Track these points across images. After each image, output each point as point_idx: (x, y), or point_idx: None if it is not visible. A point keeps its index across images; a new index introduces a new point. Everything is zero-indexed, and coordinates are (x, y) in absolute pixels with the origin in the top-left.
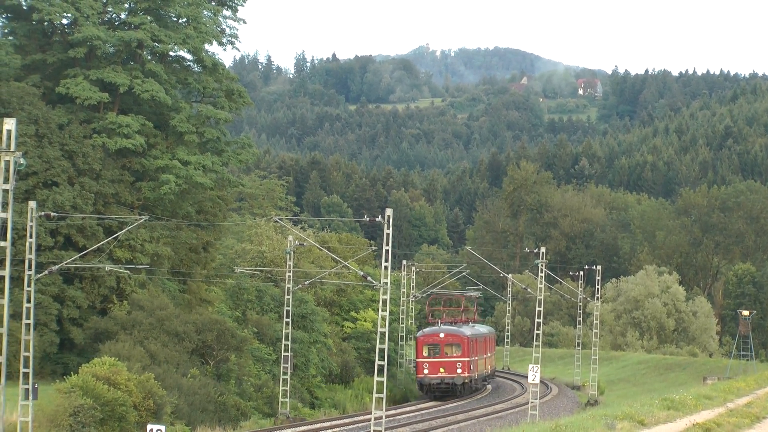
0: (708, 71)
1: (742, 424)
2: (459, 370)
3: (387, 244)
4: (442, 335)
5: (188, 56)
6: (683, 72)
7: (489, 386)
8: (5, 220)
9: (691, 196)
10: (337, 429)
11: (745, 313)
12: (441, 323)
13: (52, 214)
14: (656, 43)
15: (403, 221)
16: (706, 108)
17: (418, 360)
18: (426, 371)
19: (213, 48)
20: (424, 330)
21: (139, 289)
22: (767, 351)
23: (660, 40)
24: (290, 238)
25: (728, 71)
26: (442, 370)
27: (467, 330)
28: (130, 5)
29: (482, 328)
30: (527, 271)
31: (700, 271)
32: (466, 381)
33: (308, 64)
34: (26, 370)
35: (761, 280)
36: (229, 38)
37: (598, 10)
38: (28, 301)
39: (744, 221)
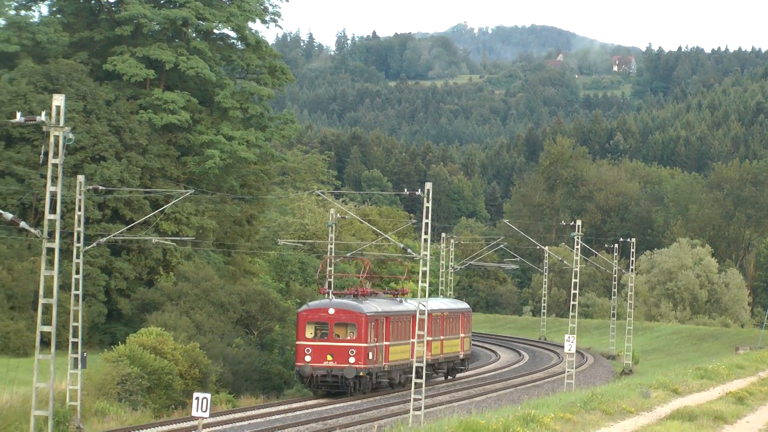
0: (740, 48)
1: None
2: (352, 360)
3: (426, 217)
4: (331, 311)
5: (232, 34)
6: (716, 49)
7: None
8: (55, 194)
9: (723, 170)
10: (378, 396)
11: None
12: (333, 295)
13: (100, 188)
14: (689, 21)
15: (441, 195)
16: (738, 84)
17: (298, 343)
18: (308, 358)
19: (256, 26)
20: (310, 303)
21: (185, 260)
22: None
23: (693, 18)
24: (332, 211)
25: (760, 48)
26: (329, 357)
27: (371, 305)
28: None
29: (441, 303)
30: (563, 243)
31: (732, 243)
32: (362, 374)
33: (349, 42)
34: (75, 340)
35: None
36: (272, 16)
37: None
38: (77, 273)
39: None
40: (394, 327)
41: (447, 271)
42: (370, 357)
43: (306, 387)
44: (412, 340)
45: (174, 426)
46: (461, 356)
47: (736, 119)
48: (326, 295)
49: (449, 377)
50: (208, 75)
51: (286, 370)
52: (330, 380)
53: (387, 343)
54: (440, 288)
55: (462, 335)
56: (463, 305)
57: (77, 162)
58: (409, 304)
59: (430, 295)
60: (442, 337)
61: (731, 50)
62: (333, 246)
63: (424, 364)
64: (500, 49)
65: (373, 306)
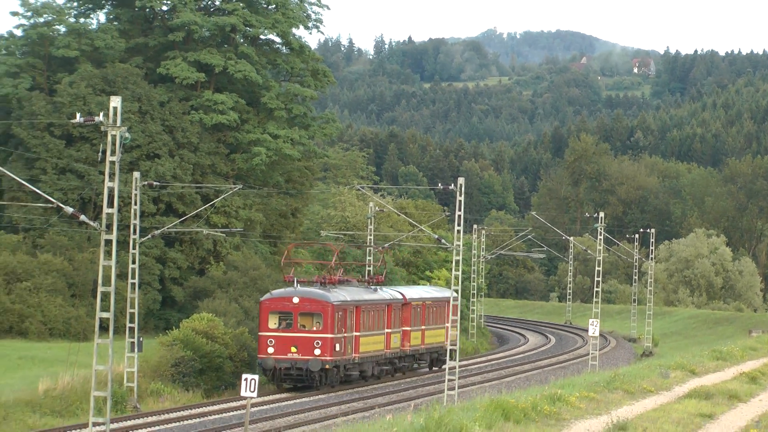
0: (752, 51)
1: None
2: (317, 351)
3: (459, 210)
4: (296, 300)
5: (277, 39)
6: (729, 52)
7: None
8: (112, 189)
9: (736, 165)
10: (414, 377)
11: None
12: (298, 283)
13: (155, 183)
14: (705, 25)
15: (473, 189)
16: (750, 85)
17: (260, 334)
18: (271, 350)
19: (300, 32)
20: (273, 292)
21: (234, 251)
22: None
23: (708, 22)
24: (371, 204)
25: None
26: (293, 349)
27: (340, 294)
28: None
29: (424, 291)
30: (587, 234)
31: (745, 233)
32: (328, 367)
33: (386, 46)
34: (132, 325)
35: None
36: (314, 22)
37: None
38: (133, 263)
39: None
40: (366, 317)
41: (479, 260)
42: (337, 349)
43: (269, 380)
44: (387, 330)
45: (224, 405)
46: (446, 346)
47: (748, 117)
48: (291, 283)
49: (434, 368)
50: (255, 78)
51: None
52: (294, 373)
53: (357, 333)
54: (472, 275)
55: (447, 325)
56: (449, 293)
57: (133, 159)
58: (384, 293)
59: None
60: (423, 327)
61: (744, 53)
62: (372, 237)
63: (458, 348)
64: (528, 53)
65: (342, 295)
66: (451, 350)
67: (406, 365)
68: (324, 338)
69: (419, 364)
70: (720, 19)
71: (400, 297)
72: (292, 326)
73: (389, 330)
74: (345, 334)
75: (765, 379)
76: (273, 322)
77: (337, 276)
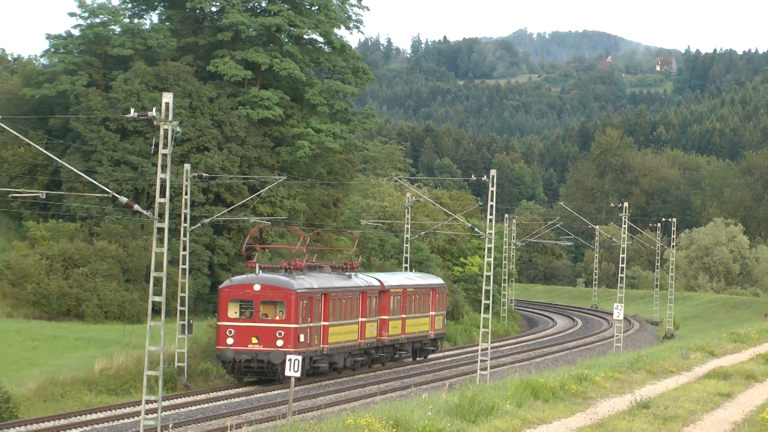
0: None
1: None
2: (280, 342)
3: (491, 200)
4: (257, 287)
5: (320, 39)
6: (747, 51)
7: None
8: (164, 180)
9: (753, 158)
10: (448, 358)
11: None
12: (261, 269)
13: (204, 174)
14: (724, 25)
15: (504, 180)
16: (766, 81)
17: (219, 323)
18: (230, 341)
19: (341, 31)
20: (233, 278)
21: (279, 238)
22: None
23: (727, 23)
24: (408, 195)
25: None
26: (254, 340)
27: (306, 281)
28: None
29: (404, 278)
30: (612, 223)
31: (761, 222)
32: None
33: (423, 45)
34: (182, 309)
35: None
36: (355, 23)
37: None
38: (184, 250)
39: None
40: (336, 305)
41: (510, 248)
42: (302, 339)
43: (229, 373)
44: (361, 319)
45: (269, 385)
46: (431, 336)
47: (765, 113)
48: (254, 268)
49: (418, 358)
50: (299, 75)
51: None
52: (255, 366)
53: (326, 323)
54: (504, 262)
55: (432, 313)
56: (435, 280)
57: (184, 152)
58: (359, 280)
59: (408, 268)
60: (403, 316)
61: (761, 52)
62: (409, 225)
63: (489, 334)
64: (556, 52)
65: (308, 282)
66: (483, 332)
67: (384, 356)
68: (287, 328)
69: (400, 354)
70: (738, 19)
71: (377, 284)
72: (253, 315)
73: (364, 319)
74: (311, 324)
75: None
76: (233, 311)
77: (304, 262)
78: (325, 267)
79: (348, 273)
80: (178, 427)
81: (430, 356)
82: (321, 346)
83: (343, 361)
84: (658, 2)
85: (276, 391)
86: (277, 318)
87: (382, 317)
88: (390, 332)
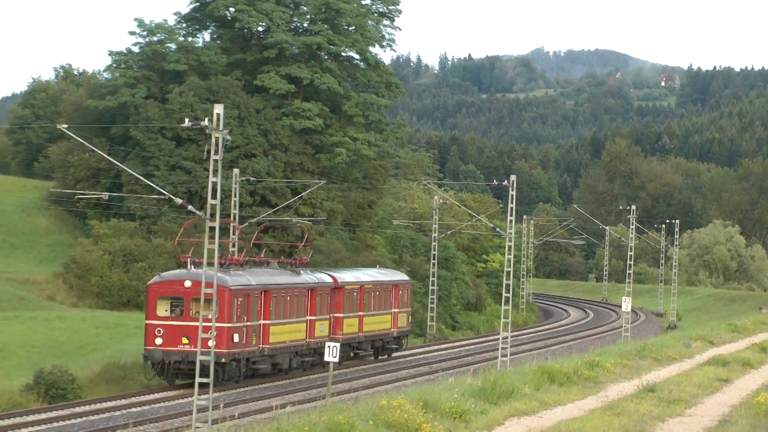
0: (763, 67)
1: None
2: (212, 343)
3: (511, 203)
4: (188, 284)
5: (356, 56)
6: (744, 68)
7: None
8: (215, 184)
9: (749, 165)
10: (472, 346)
11: None
12: (193, 264)
13: (251, 178)
14: (723, 45)
15: (523, 185)
16: (762, 96)
17: (147, 322)
18: (159, 341)
19: (375, 49)
20: (162, 274)
21: (319, 236)
22: None
23: (726, 42)
24: (435, 197)
25: None
26: (185, 340)
27: (242, 277)
28: (311, 16)
29: (364, 274)
30: (621, 224)
31: (756, 224)
32: (224, 361)
33: (449, 62)
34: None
35: None
36: (388, 42)
37: (677, 18)
38: (233, 246)
39: None
40: (279, 303)
41: (528, 246)
42: (236, 340)
43: (158, 375)
44: (309, 317)
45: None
46: (394, 333)
47: (760, 124)
48: (186, 264)
49: (381, 356)
50: (337, 89)
51: None
52: (185, 368)
53: (266, 321)
54: (522, 258)
55: (395, 310)
56: (399, 276)
57: (233, 158)
58: (308, 276)
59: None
60: (361, 313)
61: (756, 69)
62: (437, 225)
63: (509, 324)
64: (570, 69)
65: (245, 278)
66: (503, 323)
67: (341, 355)
68: (220, 328)
69: (358, 353)
70: (736, 39)
71: (330, 280)
72: (183, 314)
73: (313, 317)
74: (248, 323)
75: None
76: (163, 308)
77: (242, 257)
78: (272, 263)
79: (296, 269)
80: (228, 407)
81: (395, 354)
82: (261, 346)
83: (288, 362)
84: (663, 23)
85: (316, 375)
86: (210, 317)
87: (335, 315)
88: (345, 330)
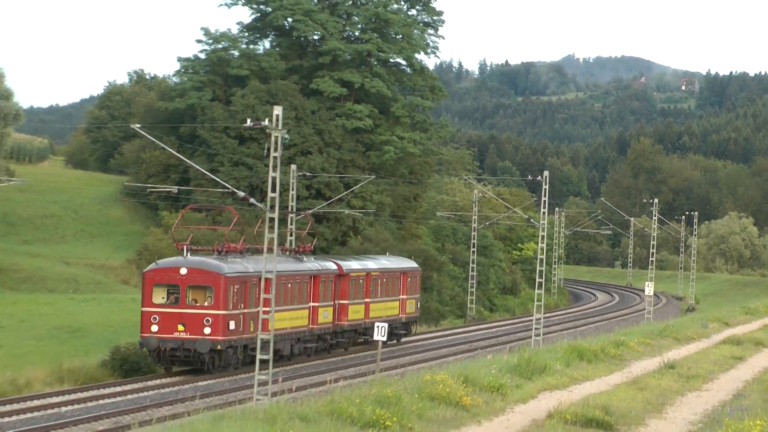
0: None
1: None
2: (207, 330)
3: (544, 196)
4: (183, 271)
5: (403, 62)
6: (758, 73)
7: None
8: (275, 178)
9: (763, 162)
10: (508, 326)
11: None
12: (189, 251)
13: (307, 173)
14: (739, 51)
15: (555, 180)
16: None
17: (143, 309)
18: (155, 328)
19: (420, 56)
20: (159, 261)
21: (369, 227)
22: None
23: (742, 49)
24: (475, 191)
25: None
26: (181, 327)
27: (240, 264)
28: (362, 26)
29: (371, 262)
30: (644, 215)
31: None
32: (220, 348)
33: (488, 68)
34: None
35: None
36: (432, 49)
37: (697, 27)
38: (291, 235)
39: None
40: (280, 289)
41: (559, 235)
42: (232, 327)
43: (155, 362)
44: (312, 303)
45: (360, 347)
46: (402, 319)
47: None
48: (183, 251)
49: (390, 342)
50: (386, 92)
51: (442, 306)
52: (182, 355)
53: (254, 309)
54: (554, 247)
55: (403, 297)
56: (407, 264)
57: (290, 155)
58: (311, 263)
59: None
60: (367, 300)
61: None
62: (476, 217)
63: (542, 307)
64: (599, 74)
65: (243, 265)
66: (537, 305)
67: (344, 341)
68: (215, 315)
69: (366, 339)
70: (751, 45)
71: (334, 268)
72: (179, 301)
73: (316, 303)
74: (245, 310)
75: None
76: (159, 296)
77: (240, 244)
78: (276, 250)
79: (300, 256)
80: (286, 380)
81: (404, 339)
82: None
83: (289, 348)
84: (684, 32)
85: (365, 352)
86: (206, 304)
87: (340, 302)
88: (350, 317)
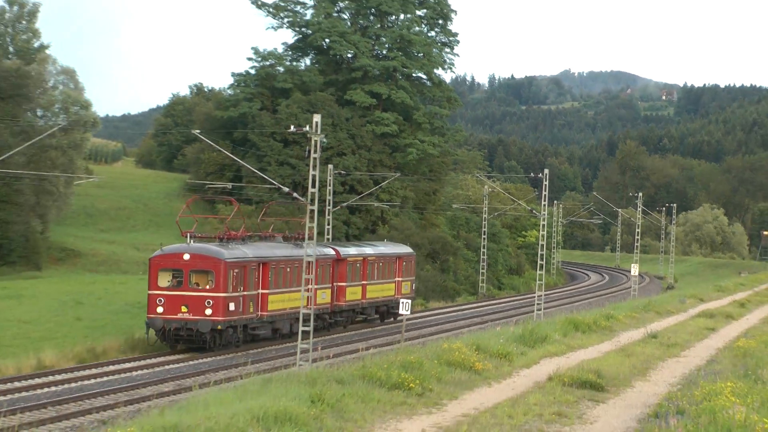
0: (743, 84)
1: (764, 300)
2: (209, 311)
3: (544, 191)
4: (186, 257)
5: (424, 76)
6: (727, 84)
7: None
8: (314, 176)
9: (731, 161)
10: (514, 302)
11: (766, 233)
12: (192, 238)
13: (342, 172)
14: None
15: (554, 176)
16: (741, 107)
17: (150, 292)
18: (160, 309)
19: (438, 71)
20: (164, 248)
21: (394, 217)
22: None
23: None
24: (485, 187)
25: (753, 84)
26: (184, 309)
27: (240, 250)
28: (388, 45)
29: (370, 248)
30: (630, 207)
31: (737, 207)
32: (220, 328)
33: (496, 81)
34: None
35: None
36: (449, 65)
37: (676, 45)
38: (328, 224)
39: (765, 177)
40: (280, 273)
41: (558, 224)
42: (232, 308)
43: (161, 341)
44: (312, 286)
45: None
46: (398, 299)
47: (740, 129)
48: (188, 238)
49: (386, 320)
50: (409, 102)
51: (456, 285)
52: (185, 334)
53: (265, 291)
54: (553, 234)
55: (398, 279)
56: (403, 249)
57: (328, 156)
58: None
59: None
60: (363, 282)
61: (737, 85)
62: (486, 208)
63: (543, 285)
64: (591, 86)
65: (242, 251)
66: (538, 284)
67: (342, 320)
68: (215, 297)
69: (365, 317)
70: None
71: (332, 253)
72: (182, 284)
73: (315, 286)
74: (244, 293)
75: (750, 304)
76: (164, 280)
77: (241, 232)
78: (277, 237)
79: (299, 243)
80: (325, 348)
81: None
82: (259, 313)
83: (289, 327)
84: (664, 50)
85: (392, 325)
86: (207, 287)
87: (338, 284)
88: (348, 298)
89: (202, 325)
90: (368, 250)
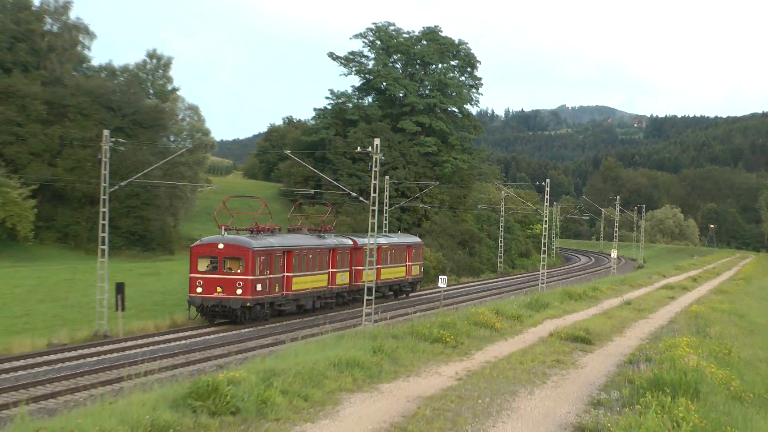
0: (695, 115)
1: (712, 276)
2: (239, 291)
3: (546, 195)
4: (221, 246)
5: (456, 110)
6: (684, 115)
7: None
8: (375, 185)
9: (686, 173)
10: (524, 278)
11: (712, 226)
12: (226, 230)
13: (395, 181)
14: (671, 101)
15: (554, 185)
16: (694, 132)
17: (191, 275)
18: (199, 290)
19: (467, 106)
20: (203, 239)
21: (434, 215)
22: (722, 244)
23: (673, 99)
24: (502, 192)
25: (703, 114)
26: (219, 289)
27: (266, 240)
28: (430, 87)
29: (385, 238)
30: (611, 207)
31: (690, 207)
32: (249, 305)
33: (510, 113)
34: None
35: (721, 212)
36: (475, 101)
37: (645, 85)
38: (385, 221)
39: (712, 184)
40: (303, 260)
41: (556, 220)
42: (259, 288)
43: (201, 316)
44: (331, 269)
45: (403, 296)
46: (408, 280)
47: (693, 149)
48: (222, 230)
49: (399, 296)
50: (445, 129)
51: (481, 265)
52: (220, 310)
53: (289, 274)
54: (553, 227)
55: (409, 263)
56: (412, 239)
57: (385, 170)
58: (331, 240)
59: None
60: (378, 266)
61: (691, 116)
62: (503, 209)
63: (546, 265)
64: (581, 116)
65: (268, 241)
66: (542, 264)
67: (360, 297)
68: (245, 279)
69: (381, 294)
70: (679, 96)
71: (350, 243)
72: (218, 269)
73: (334, 270)
74: (270, 276)
75: (702, 279)
76: (203, 265)
77: (269, 225)
78: (303, 230)
79: (322, 235)
80: (385, 312)
81: (411, 294)
82: (284, 292)
83: (312, 304)
84: (636, 88)
85: (404, 300)
86: (239, 271)
87: (356, 268)
88: (363, 278)
89: (234, 303)
90: (382, 240)
